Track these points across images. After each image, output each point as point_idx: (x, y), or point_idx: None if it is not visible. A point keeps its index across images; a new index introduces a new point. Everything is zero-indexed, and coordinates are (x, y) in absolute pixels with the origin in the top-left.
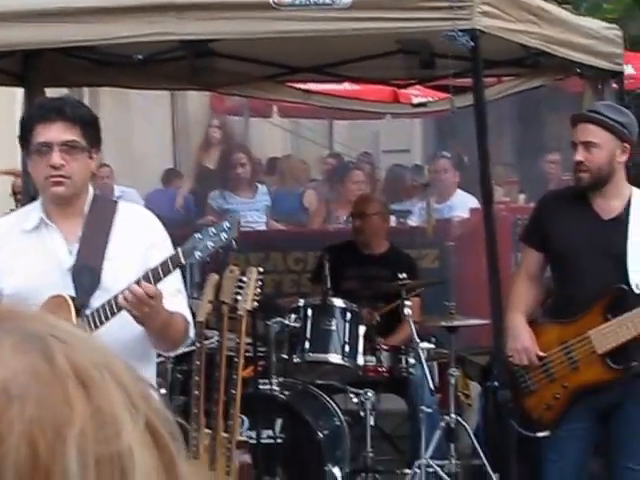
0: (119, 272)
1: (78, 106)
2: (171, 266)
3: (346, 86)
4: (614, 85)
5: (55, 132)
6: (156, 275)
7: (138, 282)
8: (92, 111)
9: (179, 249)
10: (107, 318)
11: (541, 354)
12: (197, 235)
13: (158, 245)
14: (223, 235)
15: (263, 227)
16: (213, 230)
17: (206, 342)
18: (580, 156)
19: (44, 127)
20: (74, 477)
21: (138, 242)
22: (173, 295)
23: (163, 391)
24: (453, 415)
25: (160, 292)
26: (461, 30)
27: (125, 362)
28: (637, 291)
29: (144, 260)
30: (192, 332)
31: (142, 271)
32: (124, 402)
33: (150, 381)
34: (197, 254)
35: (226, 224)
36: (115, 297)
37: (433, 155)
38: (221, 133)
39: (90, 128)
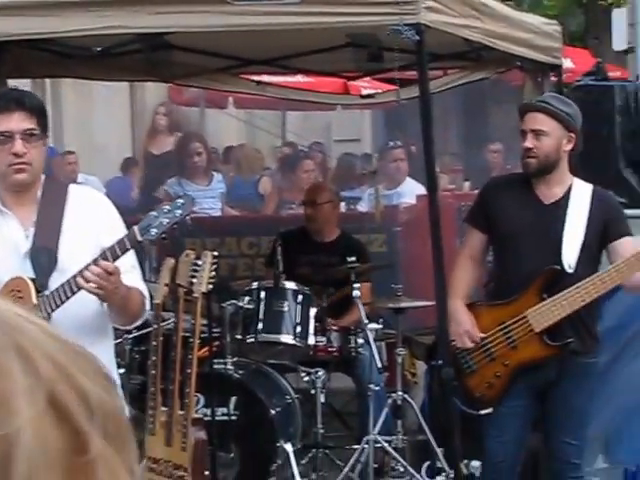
0: (75, 252)
1: (34, 97)
2: (128, 244)
3: (298, 78)
4: (553, 78)
5: (16, 122)
6: (114, 253)
7: (96, 261)
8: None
9: (135, 227)
10: (66, 298)
11: (482, 335)
12: (152, 213)
13: (111, 224)
14: (177, 212)
15: (218, 213)
16: (167, 207)
17: (163, 323)
18: (529, 143)
19: (5, 117)
20: None
21: (91, 222)
22: (129, 271)
23: (122, 371)
24: (400, 393)
25: (118, 268)
26: (407, 24)
27: (66, 341)
28: (570, 271)
29: (98, 240)
30: (148, 305)
31: (97, 250)
32: (24, 382)
33: (108, 360)
34: (153, 231)
35: (180, 201)
36: (74, 277)
37: (384, 144)
38: (167, 120)
39: (44, 117)
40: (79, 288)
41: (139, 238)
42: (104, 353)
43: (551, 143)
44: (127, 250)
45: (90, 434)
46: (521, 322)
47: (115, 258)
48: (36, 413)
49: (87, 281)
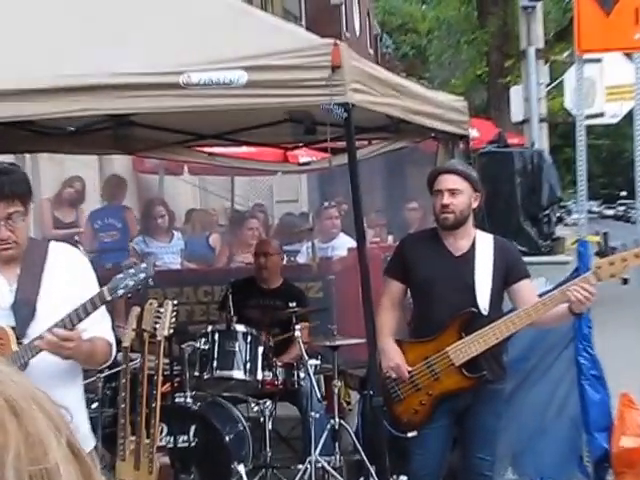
0: (52, 304)
1: (14, 179)
2: (98, 302)
3: (244, 149)
4: (462, 145)
5: None
6: (85, 309)
7: (53, 328)
8: (20, 172)
9: (105, 288)
10: (33, 354)
11: (408, 368)
12: (119, 275)
13: (84, 280)
14: (141, 275)
15: (178, 267)
16: (133, 271)
17: (131, 363)
18: (447, 200)
19: None
20: None
21: (67, 277)
22: (98, 322)
23: (95, 405)
24: (337, 419)
25: (76, 333)
26: (337, 104)
27: (45, 393)
28: (484, 313)
29: (73, 292)
30: (114, 351)
31: (72, 301)
32: (49, 426)
33: (77, 400)
34: (120, 291)
35: (143, 265)
36: (40, 337)
37: (319, 205)
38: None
39: (25, 195)
40: (40, 350)
41: (108, 298)
42: (75, 393)
43: (464, 201)
44: (97, 307)
45: (94, 467)
46: (443, 357)
47: (87, 314)
48: (63, 451)
49: (48, 345)
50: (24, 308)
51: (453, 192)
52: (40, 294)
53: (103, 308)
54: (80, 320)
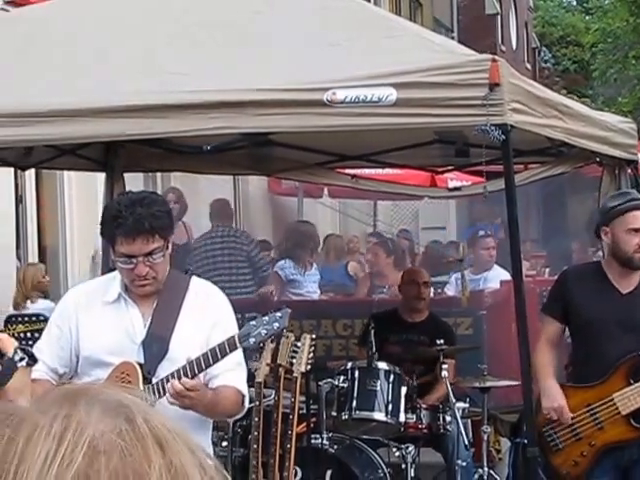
0: (186, 344)
1: (153, 214)
2: (228, 349)
3: (388, 171)
4: (630, 171)
5: (138, 246)
6: (214, 356)
7: (179, 374)
8: (164, 205)
9: (235, 335)
10: (161, 394)
11: (570, 415)
12: (252, 322)
13: (222, 323)
14: (275, 325)
15: (316, 297)
16: (266, 319)
17: (264, 400)
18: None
19: (126, 241)
20: None
21: (205, 318)
22: (232, 369)
23: (225, 444)
24: (486, 468)
25: (199, 383)
26: (494, 125)
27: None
28: None
29: (209, 335)
30: (247, 403)
31: (205, 343)
32: (193, 463)
33: (206, 445)
34: (252, 340)
35: (278, 314)
36: (167, 379)
37: (474, 233)
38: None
39: (166, 228)
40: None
41: (238, 346)
42: (205, 437)
43: None
44: (226, 355)
45: None
46: (608, 404)
47: (215, 361)
48: None
49: (170, 394)
50: (156, 344)
51: None
52: (174, 332)
53: (240, 355)
54: (208, 366)
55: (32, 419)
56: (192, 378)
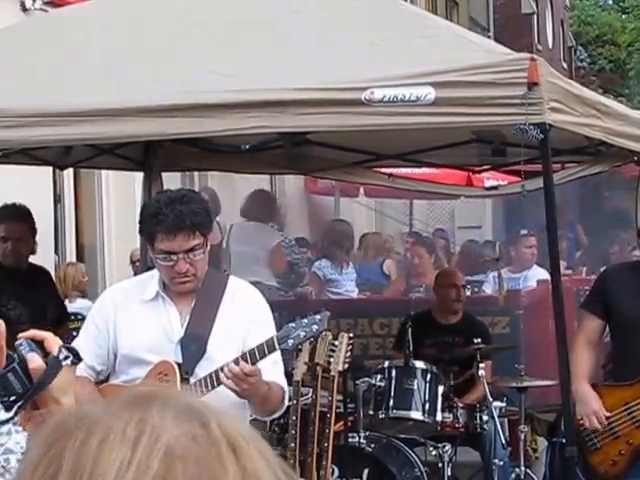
0: (224, 343)
1: (195, 209)
2: (266, 350)
3: (424, 170)
4: None
5: (178, 243)
6: (253, 357)
7: (237, 361)
8: (200, 200)
9: (274, 336)
10: (209, 389)
11: (607, 414)
12: (291, 324)
13: (260, 322)
14: (314, 327)
15: (354, 296)
16: (305, 321)
17: (301, 399)
18: None
19: (167, 238)
20: None
21: (243, 317)
22: (269, 369)
23: None
24: (523, 467)
25: (258, 369)
26: (532, 124)
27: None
28: None
29: (247, 334)
30: (287, 400)
31: (242, 343)
32: (267, 470)
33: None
34: (290, 342)
35: (318, 317)
36: (217, 372)
37: (514, 232)
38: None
39: (206, 225)
40: (220, 383)
41: (277, 347)
42: None
43: None
44: (265, 356)
45: None
46: None
47: (254, 362)
48: None
49: (227, 379)
50: (194, 343)
51: None
52: (212, 331)
53: (277, 355)
54: None
55: (104, 423)
56: None
